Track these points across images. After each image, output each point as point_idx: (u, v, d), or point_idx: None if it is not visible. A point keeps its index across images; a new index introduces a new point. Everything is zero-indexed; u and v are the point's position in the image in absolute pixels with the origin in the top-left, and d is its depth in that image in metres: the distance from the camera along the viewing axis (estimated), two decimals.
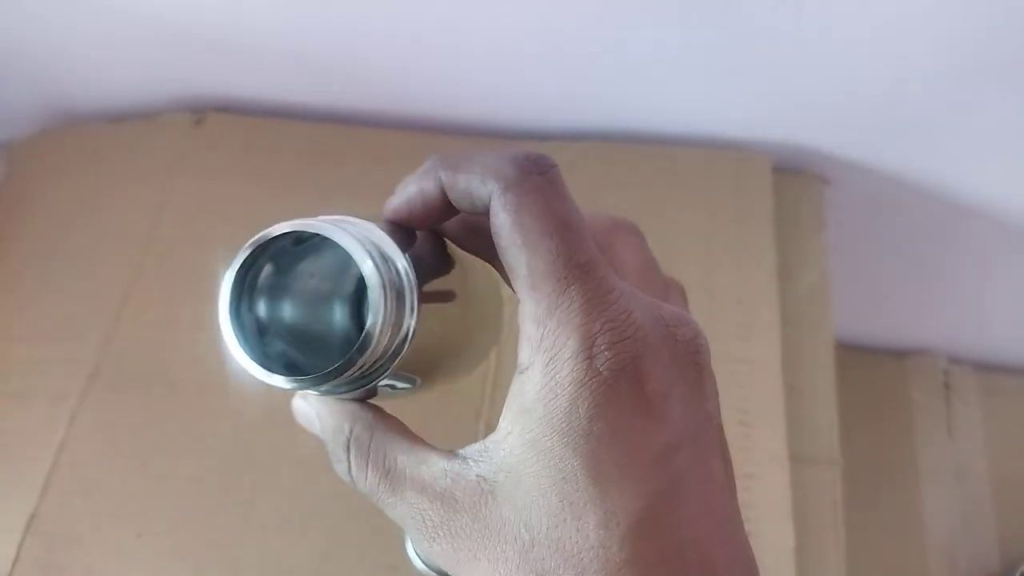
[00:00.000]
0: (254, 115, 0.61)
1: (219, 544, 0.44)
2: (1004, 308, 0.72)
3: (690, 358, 0.23)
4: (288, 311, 0.26)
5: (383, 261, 0.23)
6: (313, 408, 0.26)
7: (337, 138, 0.59)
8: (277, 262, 0.24)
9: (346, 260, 0.23)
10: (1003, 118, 0.53)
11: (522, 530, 0.22)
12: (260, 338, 0.24)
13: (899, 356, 0.77)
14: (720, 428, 0.24)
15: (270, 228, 0.23)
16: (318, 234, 0.23)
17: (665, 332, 0.23)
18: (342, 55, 0.57)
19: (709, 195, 0.55)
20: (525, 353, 0.22)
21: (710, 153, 0.57)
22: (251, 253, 0.23)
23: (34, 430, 0.47)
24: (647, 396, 0.22)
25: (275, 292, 0.25)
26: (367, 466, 0.24)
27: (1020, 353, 0.76)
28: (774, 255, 0.53)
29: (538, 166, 0.23)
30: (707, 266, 0.53)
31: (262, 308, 0.25)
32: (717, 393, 0.24)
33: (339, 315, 0.28)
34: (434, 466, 0.23)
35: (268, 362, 0.23)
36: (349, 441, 0.25)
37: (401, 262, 0.23)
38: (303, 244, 0.24)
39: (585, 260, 0.22)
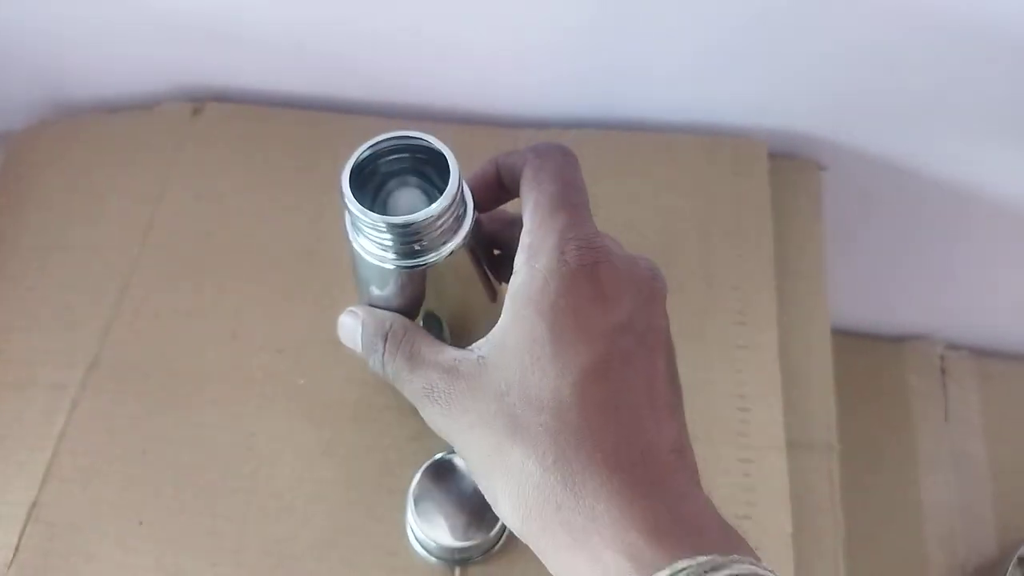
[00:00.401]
0: (253, 104, 0.61)
1: (220, 531, 0.44)
2: (1001, 293, 0.72)
3: (647, 283, 0.30)
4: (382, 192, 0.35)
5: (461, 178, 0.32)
6: (360, 317, 0.33)
7: (336, 127, 0.59)
8: (387, 156, 0.34)
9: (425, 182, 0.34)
10: (1000, 103, 0.53)
11: (501, 383, 0.28)
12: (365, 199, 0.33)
13: (896, 341, 0.77)
14: (669, 343, 0.30)
15: (392, 133, 0.33)
16: (428, 147, 0.33)
17: (630, 260, 0.30)
18: (341, 44, 0.57)
19: (705, 182, 0.55)
20: (519, 259, 0.29)
21: (705, 140, 0.57)
22: (374, 143, 0.33)
23: (34, 420, 0.47)
24: (603, 292, 0.28)
25: (378, 175, 0.34)
26: (397, 351, 0.31)
27: (1017, 338, 0.76)
28: (771, 241, 0.53)
29: (560, 149, 0.32)
30: (704, 253, 0.53)
31: (368, 184, 0.34)
32: (668, 320, 0.30)
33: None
34: (448, 353, 0.30)
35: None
36: (388, 333, 0.32)
37: (469, 194, 0.34)
38: (406, 153, 0.34)
39: (576, 202, 0.30)
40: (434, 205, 0.31)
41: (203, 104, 0.60)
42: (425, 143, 0.33)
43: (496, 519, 0.41)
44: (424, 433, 0.47)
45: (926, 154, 0.59)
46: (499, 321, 0.29)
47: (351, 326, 0.34)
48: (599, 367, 0.27)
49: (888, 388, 0.75)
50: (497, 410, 0.27)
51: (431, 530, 0.41)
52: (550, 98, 0.59)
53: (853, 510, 0.49)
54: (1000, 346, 0.76)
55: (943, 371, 0.76)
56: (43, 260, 0.54)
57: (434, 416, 0.30)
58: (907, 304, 0.76)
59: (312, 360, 0.49)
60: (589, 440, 0.26)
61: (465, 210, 0.34)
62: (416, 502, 0.42)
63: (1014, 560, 0.66)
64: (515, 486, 0.27)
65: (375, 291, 0.36)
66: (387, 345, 0.32)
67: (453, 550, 0.42)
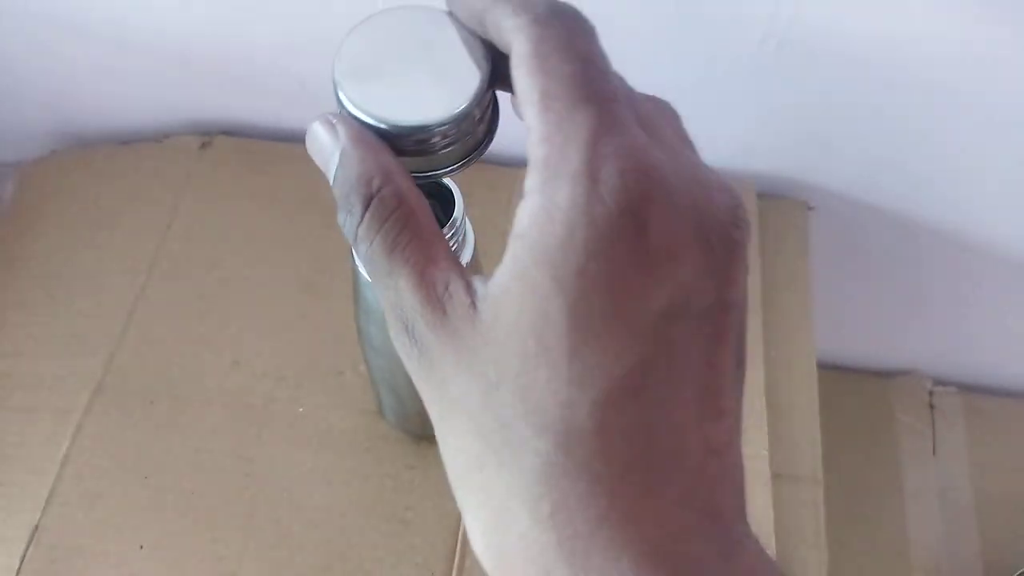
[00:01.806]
0: (260, 139, 0.63)
1: (219, 556, 0.45)
2: (987, 331, 0.73)
3: (722, 232, 0.20)
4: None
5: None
6: (341, 139, 0.23)
7: None
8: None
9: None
10: (980, 146, 0.55)
11: (490, 369, 0.19)
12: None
13: (884, 377, 0.78)
14: (742, 324, 0.21)
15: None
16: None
17: (695, 187, 0.20)
18: None
19: None
20: (530, 179, 0.20)
21: None
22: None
23: (39, 444, 0.49)
24: (651, 249, 0.18)
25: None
26: (377, 234, 0.21)
27: (1003, 375, 0.77)
28: (758, 280, 0.54)
29: (571, 11, 0.21)
30: None
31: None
32: (746, 286, 0.21)
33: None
34: (440, 272, 0.21)
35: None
36: (373, 197, 0.22)
37: (470, 228, 0.36)
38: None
39: (606, 89, 0.20)
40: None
41: (211, 138, 0.62)
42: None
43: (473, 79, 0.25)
44: (421, 463, 0.48)
45: (914, 195, 0.61)
46: (500, 267, 0.20)
47: (325, 147, 0.24)
48: (634, 379, 0.18)
49: (876, 423, 0.76)
50: (483, 405, 0.19)
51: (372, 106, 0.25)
52: None
53: (840, 544, 0.50)
54: (988, 382, 0.77)
55: (931, 407, 0.77)
56: (52, 287, 0.55)
57: (408, 365, 0.21)
58: (895, 340, 0.77)
59: (312, 389, 0.51)
60: (606, 492, 0.18)
61: (464, 242, 0.36)
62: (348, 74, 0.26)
63: None
64: (493, 526, 0.19)
65: (372, 311, 0.38)
66: (367, 217, 0.22)
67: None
